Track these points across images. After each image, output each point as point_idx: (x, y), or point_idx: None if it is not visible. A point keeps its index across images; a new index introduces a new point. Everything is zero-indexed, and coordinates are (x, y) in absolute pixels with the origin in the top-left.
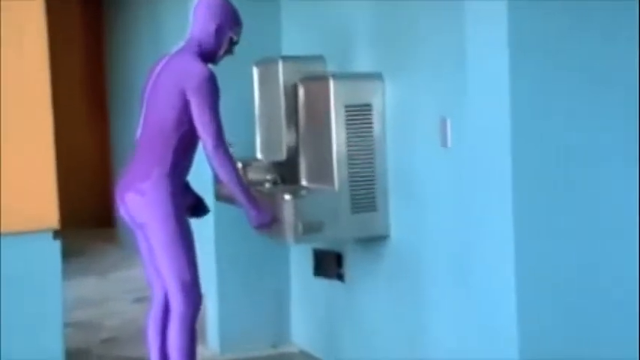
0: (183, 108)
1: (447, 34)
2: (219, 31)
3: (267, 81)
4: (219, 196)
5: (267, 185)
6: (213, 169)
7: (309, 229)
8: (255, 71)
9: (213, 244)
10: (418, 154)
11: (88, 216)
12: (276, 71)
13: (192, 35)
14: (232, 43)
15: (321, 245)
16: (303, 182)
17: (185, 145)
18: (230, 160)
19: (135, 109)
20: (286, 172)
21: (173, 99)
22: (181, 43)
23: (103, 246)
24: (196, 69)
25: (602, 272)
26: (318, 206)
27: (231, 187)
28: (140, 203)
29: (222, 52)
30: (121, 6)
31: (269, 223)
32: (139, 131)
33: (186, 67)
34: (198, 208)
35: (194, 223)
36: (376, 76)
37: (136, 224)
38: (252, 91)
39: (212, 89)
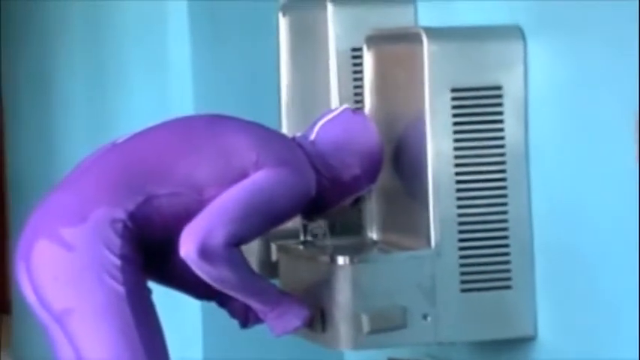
0: (227, 174)
1: None
2: (354, 182)
3: (304, 41)
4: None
5: (303, 238)
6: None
7: (383, 322)
8: (281, 23)
9: (201, 349)
10: (591, 180)
11: None
12: (323, 23)
13: (320, 148)
14: (353, 201)
15: (404, 353)
16: (372, 233)
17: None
18: (233, 267)
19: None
20: (339, 213)
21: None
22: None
23: None
24: (292, 154)
25: None
26: (400, 279)
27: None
28: (61, 266)
29: (334, 203)
30: None
31: (302, 326)
32: (104, 148)
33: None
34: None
35: (167, 316)
36: (512, 35)
37: (51, 312)
38: (276, 62)
39: (297, 189)
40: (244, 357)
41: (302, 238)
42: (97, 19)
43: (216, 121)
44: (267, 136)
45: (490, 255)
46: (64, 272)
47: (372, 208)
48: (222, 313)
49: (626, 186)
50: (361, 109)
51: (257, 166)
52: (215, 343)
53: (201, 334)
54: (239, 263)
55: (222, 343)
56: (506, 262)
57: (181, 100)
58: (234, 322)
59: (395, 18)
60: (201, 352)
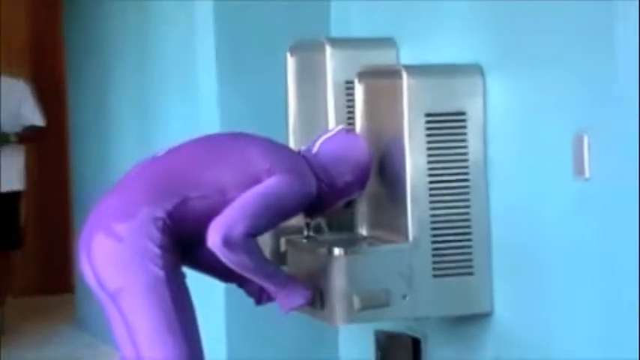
0: (244, 174)
1: (586, 9)
2: (348, 187)
3: (307, 76)
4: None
5: (306, 233)
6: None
7: (370, 301)
8: (289, 61)
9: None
10: (538, 188)
11: (34, 280)
12: (322, 61)
13: (320, 159)
14: (346, 204)
15: (387, 326)
16: (362, 230)
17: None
18: (250, 254)
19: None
20: (335, 213)
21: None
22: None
23: (51, 326)
24: (297, 163)
25: None
26: (384, 267)
27: (252, 278)
28: (113, 254)
29: (331, 204)
30: None
31: (306, 304)
32: (147, 160)
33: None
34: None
35: (197, 295)
36: (474, 71)
37: (106, 291)
38: (285, 91)
39: (301, 191)
40: (267, 356)
41: (305, 233)
42: (144, 52)
43: (236, 137)
44: (277, 148)
45: (456, 247)
46: (116, 259)
47: (362, 209)
48: (245, 314)
49: (564, 192)
50: (353, 129)
51: (269, 173)
52: (239, 342)
53: (224, 333)
54: (255, 251)
55: (245, 341)
56: (469, 254)
57: (209, 121)
58: (257, 322)
59: (381, 58)
60: (226, 351)
